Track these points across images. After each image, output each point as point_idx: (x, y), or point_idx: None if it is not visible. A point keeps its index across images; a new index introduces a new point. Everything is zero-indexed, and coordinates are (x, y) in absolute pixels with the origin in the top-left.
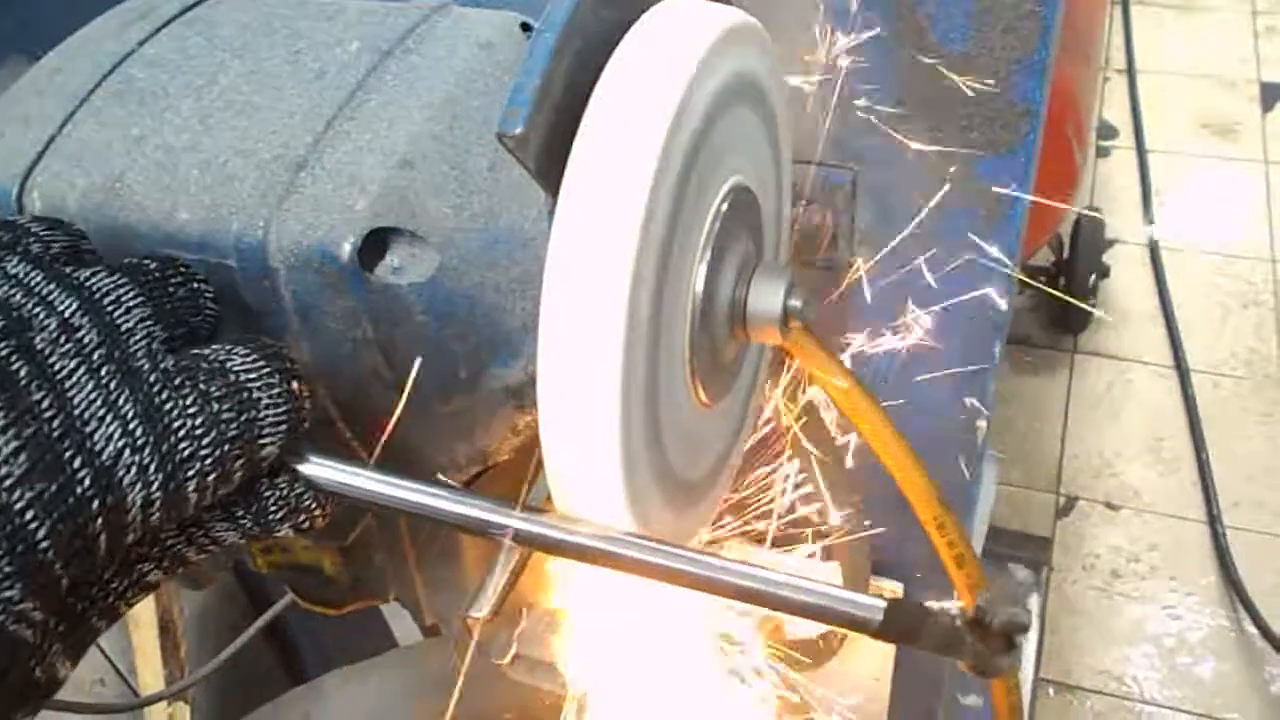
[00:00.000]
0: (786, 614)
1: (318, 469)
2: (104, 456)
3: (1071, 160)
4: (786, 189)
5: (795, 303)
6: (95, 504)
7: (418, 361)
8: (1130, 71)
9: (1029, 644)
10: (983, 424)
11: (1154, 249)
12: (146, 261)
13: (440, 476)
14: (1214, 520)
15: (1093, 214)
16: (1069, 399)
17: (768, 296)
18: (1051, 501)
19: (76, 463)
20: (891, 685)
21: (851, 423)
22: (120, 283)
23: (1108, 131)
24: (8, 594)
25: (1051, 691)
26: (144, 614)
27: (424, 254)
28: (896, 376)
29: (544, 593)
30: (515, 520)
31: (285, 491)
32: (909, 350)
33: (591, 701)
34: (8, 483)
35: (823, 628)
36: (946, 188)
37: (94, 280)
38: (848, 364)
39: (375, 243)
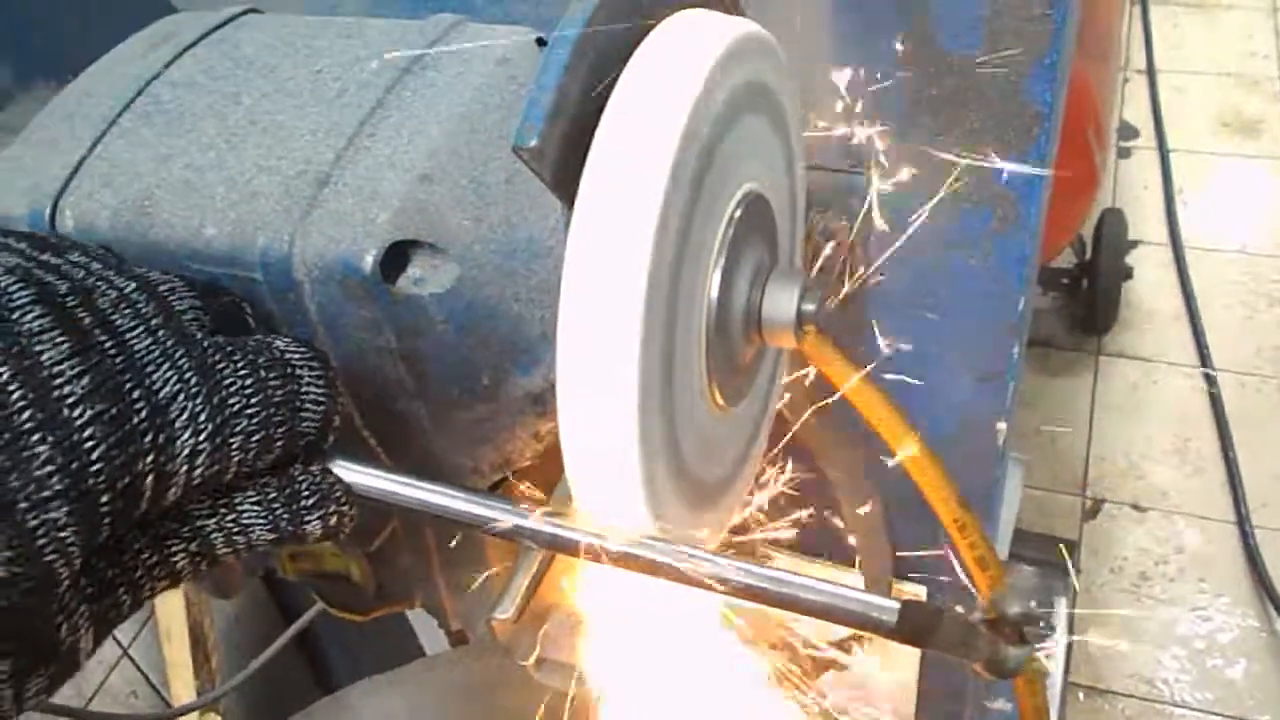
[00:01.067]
0: (802, 615)
1: (345, 472)
2: (160, 395)
3: (1092, 161)
4: (800, 195)
5: (809, 307)
6: (148, 438)
7: (441, 370)
8: (1150, 71)
9: (1058, 648)
10: (1003, 426)
11: (1177, 249)
12: (191, 278)
13: (463, 482)
14: (1243, 521)
15: (1115, 215)
16: (1094, 401)
17: (782, 301)
18: (1078, 504)
19: (135, 394)
20: (917, 692)
21: (871, 426)
22: (172, 278)
23: (1129, 132)
24: (53, 515)
25: (1082, 696)
26: (175, 626)
27: (444, 265)
28: (914, 379)
29: (568, 594)
30: (537, 523)
31: (319, 479)
32: (927, 354)
33: (616, 702)
34: (70, 400)
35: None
36: (961, 191)
37: (149, 273)
38: (865, 368)
39: (397, 255)
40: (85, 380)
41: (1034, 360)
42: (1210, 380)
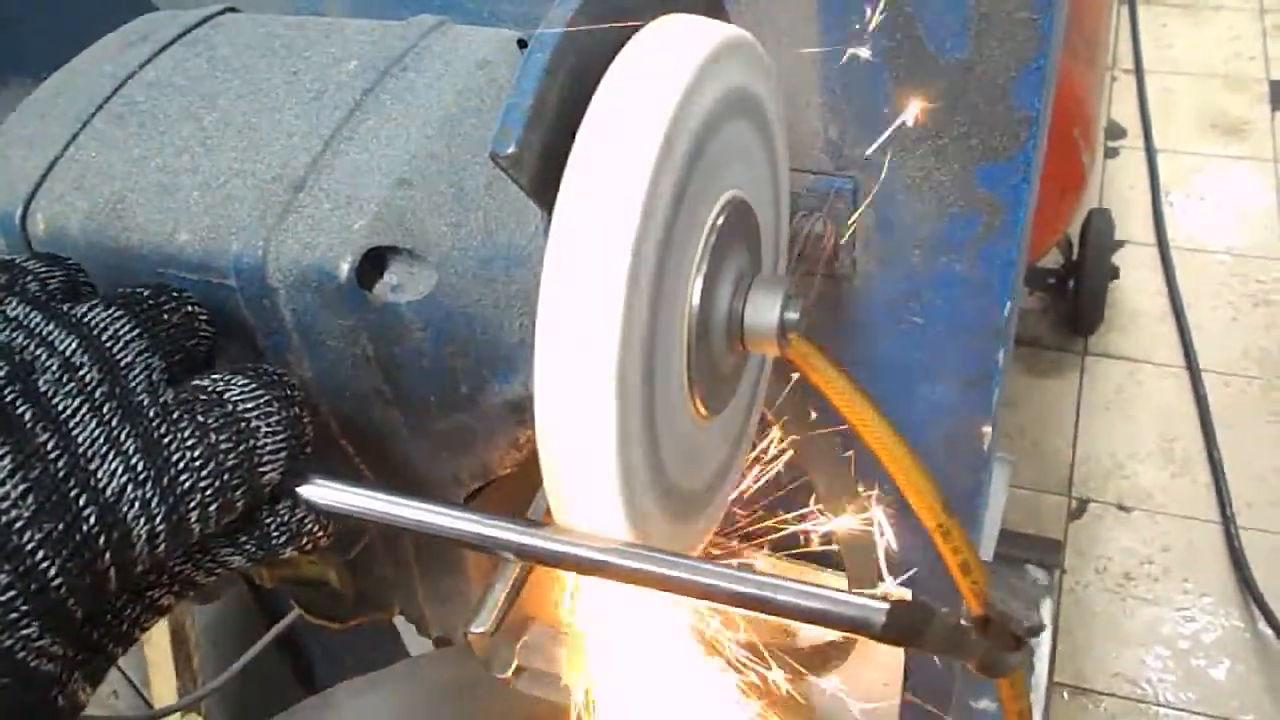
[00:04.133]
0: (788, 620)
1: (320, 490)
2: (108, 493)
3: (1079, 161)
4: (784, 201)
5: (792, 315)
6: (102, 540)
7: (418, 378)
8: (1138, 71)
9: (1042, 647)
10: (988, 430)
11: (1164, 249)
12: (140, 290)
13: (442, 491)
14: (1227, 521)
15: (1101, 214)
16: (1080, 401)
17: (765, 309)
18: (1063, 504)
19: (82, 500)
20: (901, 691)
21: (855, 431)
22: (116, 316)
23: (1116, 131)
24: (26, 632)
25: (1065, 695)
26: (156, 627)
27: (422, 272)
28: (900, 384)
29: (547, 605)
30: (516, 535)
31: (286, 517)
32: (912, 358)
33: (597, 710)
34: (18, 525)
35: (835, 633)
36: (947, 197)
37: (91, 316)
38: (850, 372)
39: (373, 261)
40: (30, 499)
41: (1020, 360)
42: (1195, 381)
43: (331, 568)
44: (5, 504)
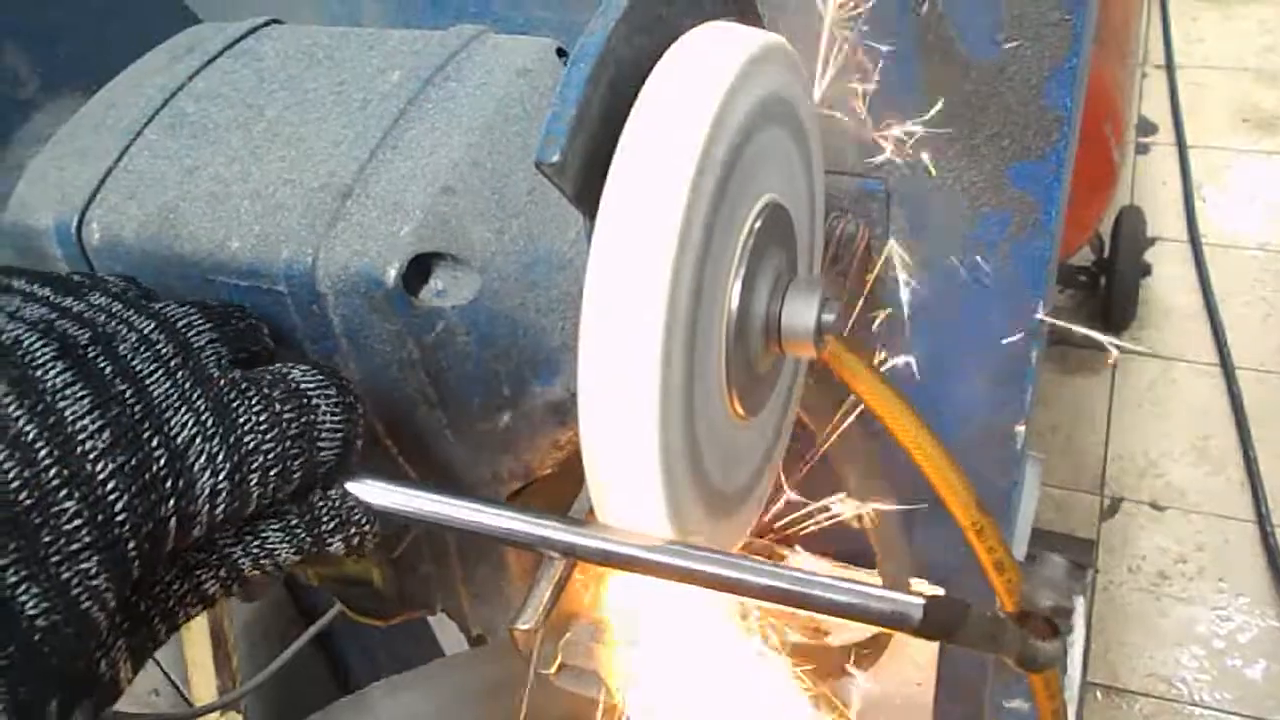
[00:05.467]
0: (826, 616)
1: (368, 489)
2: (178, 441)
3: (1109, 158)
4: (819, 204)
5: (829, 317)
6: (168, 484)
7: (462, 381)
8: (1169, 66)
9: (1076, 647)
10: (1021, 429)
11: (1196, 246)
12: (209, 302)
13: (484, 491)
14: (1262, 519)
15: (1133, 211)
16: (1112, 399)
17: (801, 311)
18: (1096, 503)
19: (154, 442)
20: (935, 690)
21: (889, 430)
22: (190, 311)
23: (1147, 128)
24: (85, 565)
25: (1099, 695)
26: (196, 626)
27: (466, 277)
28: (932, 383)
29: (589, 602)
30: (562, 533)
31: (337, 503)
32: (945, 357)
33: (637, 708)
34: (92, 455)
35: (866, 633)
36: (979, 195)
37: (166, 308)
38: (884, 372)
39: (419, 267)
40: (106, 434)
41: (1052, 358)
42: (1229, 378)
43: (375, 566)
44: (82, 435)
